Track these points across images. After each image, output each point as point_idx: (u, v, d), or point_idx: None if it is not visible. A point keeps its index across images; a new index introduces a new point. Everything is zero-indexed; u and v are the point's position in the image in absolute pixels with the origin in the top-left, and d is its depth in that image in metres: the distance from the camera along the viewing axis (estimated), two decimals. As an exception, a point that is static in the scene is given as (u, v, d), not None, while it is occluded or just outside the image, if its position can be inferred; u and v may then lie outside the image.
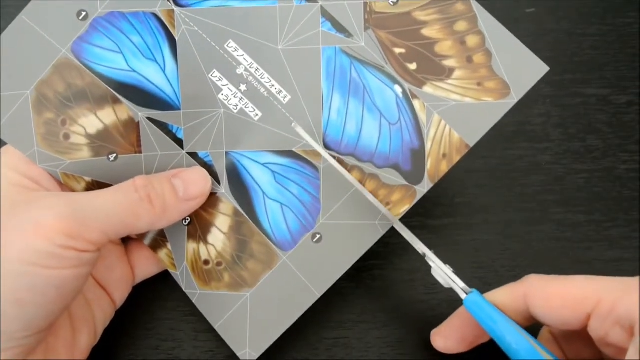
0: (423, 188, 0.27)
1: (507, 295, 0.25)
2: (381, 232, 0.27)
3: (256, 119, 0.27)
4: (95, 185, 0.27)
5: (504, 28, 0.27)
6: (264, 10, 0.27)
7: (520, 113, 0.35)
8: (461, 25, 0.27)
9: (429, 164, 0.27)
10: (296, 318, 0.27)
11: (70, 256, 0.23)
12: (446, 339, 0.27)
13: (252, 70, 0.27)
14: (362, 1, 0.27)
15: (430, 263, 0.26)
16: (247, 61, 0.27)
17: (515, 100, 0.27)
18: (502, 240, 0.33)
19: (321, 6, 0.27)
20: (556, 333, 0.27)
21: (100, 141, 0.27)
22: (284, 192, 0.27)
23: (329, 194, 0.27)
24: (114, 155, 0.27)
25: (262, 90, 0.27)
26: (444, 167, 0.27)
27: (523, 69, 0.27)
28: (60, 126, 0.27)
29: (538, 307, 0.24)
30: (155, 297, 0.31)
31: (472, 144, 0.27)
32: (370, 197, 0.27)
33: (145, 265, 0.30)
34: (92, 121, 0.27)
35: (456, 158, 0.27)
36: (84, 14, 0.27)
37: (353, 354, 0.31)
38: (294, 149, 0.27)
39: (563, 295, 0.24)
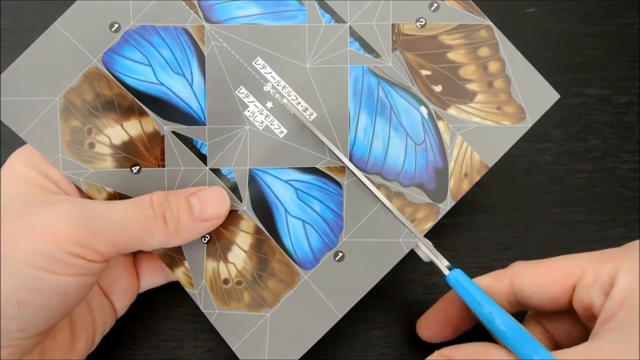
0: (446, 206, 0.28)
1: (492, 278, 0.26)
2: (405, 250, 0.27)
3: (281, 136, 0.27)
4: (117, 197, 0.27)
5: (522, 56, 0.28)
6: (293, 29, 0.27)
7: (520, 113, 0.35)
8: (484, 51, 0.28)
9: (451, 183, 0.28)
10: (316, 340, 0.27)
11: (77, 264, 0.23)
12: (430, 325, 0.28)
13: (279, 88, 0.27)
14: (390, 23, 0.28)
15: (419, 244, 0.26)
16: (274, 78, 0.27)
17: (530, 125, 0.28)
18: (502, 240, 0.33)
19: (350, 26, 0.28)
20: (540, 317, 0.28)
21: (125, 152, 0.27)
22: (306, 209, 0.27)
23: (351, 211, 0.27)
24: (137, 167, 0.27)
25: (289, 107, 0.27)
26: (465, 186, 0.28)
27: (537, 95, 0.28)
28: (85, 134, 0.27)
29: (525, 287, 0.25)
30: (155, 297, 0.31)
31: (490, 165, 0.28)
32: (387, 203, 0.27)
33: (152, 277, 0.30)
34: (118, 132, 0.27)
35: (476, 178, 0.28)
36: (116, 25, 0.27)
37: (353, 354, 0.31)
38: (317, 166, 0.27)
39: (548, 272, 0.25)
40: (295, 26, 0.27)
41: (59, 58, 0.27)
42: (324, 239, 0.27)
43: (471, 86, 0.28)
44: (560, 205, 0.33)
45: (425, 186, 0.28)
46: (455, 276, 0.25)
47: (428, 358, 0.25)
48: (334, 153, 0.27)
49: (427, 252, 0.26)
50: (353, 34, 0.28)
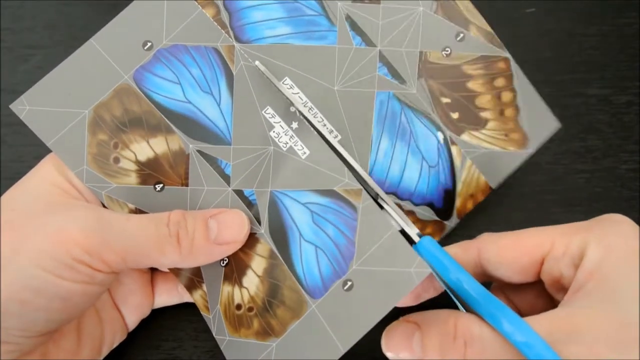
0: (451, 223, 0.30)
1: (460, 248, 0.26)
2: (416, 282, 0.25)
3: (303, 157, 0.27)
4: (138, 213, 0.27)
5: (532, 87, 0.30)
6: (323, 49, 0.28)
7: (520, 113, 0.35)
8: (500, 82, 0.30)
9: (458, 203, 0.30)
10: None
11: (83, 271, 0.23)
12: None
13: (306, 109, 0.27)
14: (418, 50, 0.29)
15: (384, 204, 0.27)
16: (301, 99, 0.27)
17: (532, 151, 0.31)
18: (502, 240, 0.33)
19: (379, 51, 0.28)
20: (506, 288, 0.28)
21: (149, 169, 0.27)
22: (320, 233, 0.27)
23: (364, 236, 0.26)
24: (161, 185, 0.27)
25: (314, 128, 0.27)
26: (470, 206, 0.30)
27: (540, 124, 0.31)
28: (112, 149, 0.27)
29: (492, 258, 0.25)
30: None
31: (494, 187, 0.31)
32: (392, 205, 0.27)
33: (167, 296, 0.30)
34: (144, 148, 0.27)
35: (480, 198, 0.30)
36: (149, 44, 0.27)
37: (353, 354, 0.31)
38: (335, 188, 0.27)
39: (516, 245, 0.25)
40: (326, 47, 0.28)
41: (92, 73, 0.27)
42: (334, 266, 0.26)
43: (485, 114, 0.30)
44: (560, 205, 0.33)
45: (434, 205, 0.30)
46: (425, 243, 0.25)
47: (393, 323, 0.24)
48: (352, 173, 0.27)
49: (399, 219, 0.26)
50: (382, 58, 0.29)
